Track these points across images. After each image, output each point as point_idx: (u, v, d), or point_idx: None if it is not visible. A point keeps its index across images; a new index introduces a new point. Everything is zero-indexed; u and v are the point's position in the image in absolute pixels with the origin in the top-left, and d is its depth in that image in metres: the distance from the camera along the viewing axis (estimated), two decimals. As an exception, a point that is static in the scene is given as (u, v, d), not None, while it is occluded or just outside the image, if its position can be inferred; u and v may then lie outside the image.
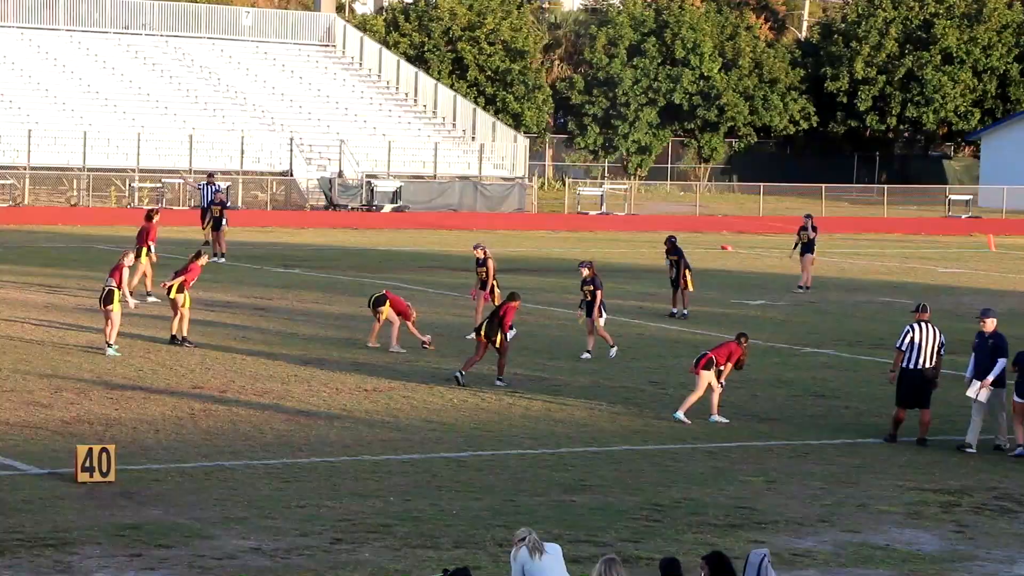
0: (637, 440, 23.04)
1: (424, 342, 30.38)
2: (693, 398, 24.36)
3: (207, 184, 50.37)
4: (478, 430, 23.27)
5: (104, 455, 19.06)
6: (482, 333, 26.83)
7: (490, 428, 23.45)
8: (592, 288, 30.38)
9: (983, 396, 22.82)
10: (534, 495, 19.43)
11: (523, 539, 13.59)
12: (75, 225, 58.94)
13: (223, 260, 45.38)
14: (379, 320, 30.56)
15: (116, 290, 28.58)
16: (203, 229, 48.56)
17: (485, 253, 32.66)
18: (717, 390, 24.47)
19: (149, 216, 36.92)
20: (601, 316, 30.42)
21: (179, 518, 17.71)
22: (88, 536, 16.81)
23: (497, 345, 26.78)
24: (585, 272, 30.63)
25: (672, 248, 37.08)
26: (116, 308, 28.49)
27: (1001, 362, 22.79)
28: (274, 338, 31.45)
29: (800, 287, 43.67)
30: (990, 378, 22.75)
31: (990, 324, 23.07)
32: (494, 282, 32.58)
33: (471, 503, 18.88)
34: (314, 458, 21.00)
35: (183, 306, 29.70)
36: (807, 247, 43.81)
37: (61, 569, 15.71)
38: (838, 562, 17.07)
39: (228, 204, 49.63)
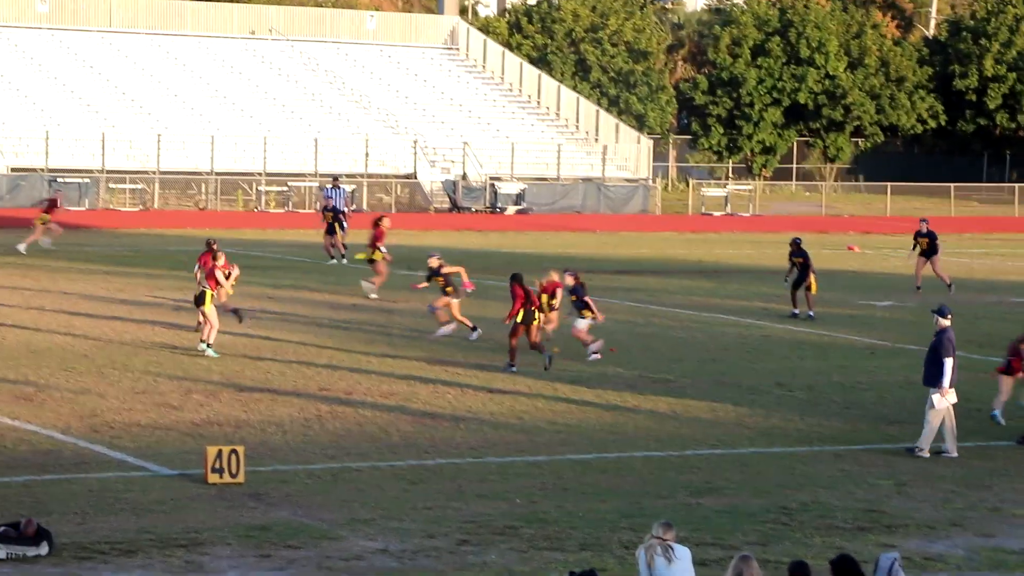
0: (763, 442, 22.89)
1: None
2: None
3: (332, 187, 50.97)
4: (603, 432, 23.23)
5: (233, 456, 19.25)
6: (518, 320, 27.86)
7: (615, 430, 23.41)
8: (575, 298, 29.67)
9: (948, 401, 22.01)
10: (660, 497, 19.36)
11: (666, 530, 13.47)
12: (203, 228, 59.61)
13: (344, 261, 45.70)
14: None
15: (208, 291, 28.89)
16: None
17: (440, 262, 31.99)
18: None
19: (376, 222, 37.84)
20: (584, 319, 29.52)
21: (307, 519, 17.84)
22: (218, 537, 16.99)
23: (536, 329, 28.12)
24: (569, 281, 29.64)
25: (796, 250, 36.78)
26: (209, 308, 28.82)
27: (947, 362, 21.93)
28: (399, 340, 31.60)
29: (947, 286, 42.63)
30: (945, 382, 21.90)
31: (941, 322, 22.30)
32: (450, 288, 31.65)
33: (597, 505, 18.85)
34: (440, 460, 21.07)
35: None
36: (931, 249, 43.08)
37: (192, 569, 15.89)
38: (971, 566, 16.84)
39: (342, 208, 50.20)
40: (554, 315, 30.63)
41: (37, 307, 34.66)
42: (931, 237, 43.17)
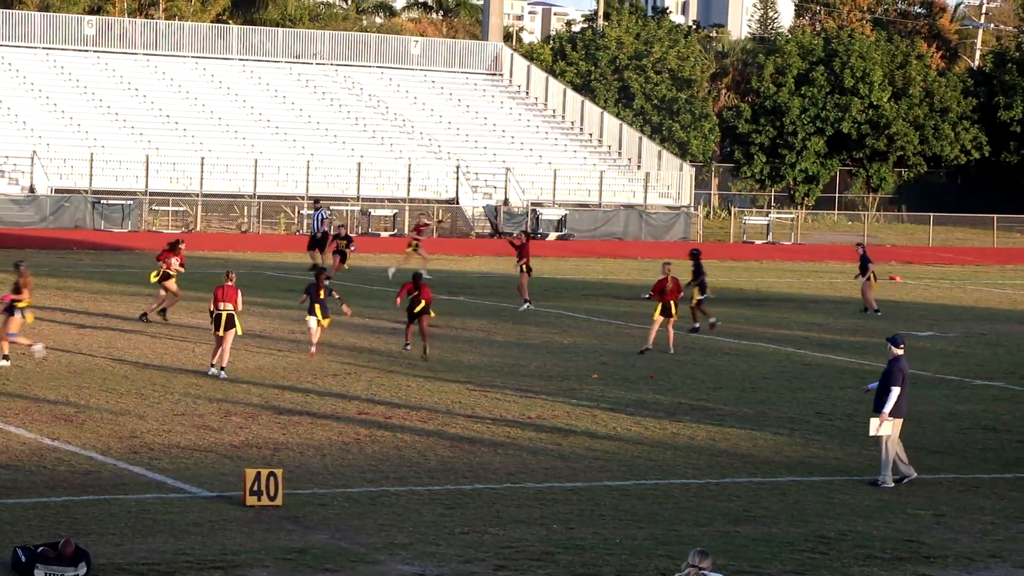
0: (802, 471, 22.81)
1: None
2: None
3: (316, 211, 51.94)
4: (641, 459, 23.20)
5: (272, 479, 19.28)
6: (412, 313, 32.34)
7: (653, 457, 23.37)
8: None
9: (886, 430, 21.89)
10: (697, 525, 19.31)
11: (701, 559, 13.41)
12: (245, 251, 59.86)
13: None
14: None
15: (235, 314, 29.10)
16: (309, 253, 50.60)
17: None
18: None
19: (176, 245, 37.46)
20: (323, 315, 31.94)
21: (344, 543, 17.86)
22: (255, 559, 17.01)
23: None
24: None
25: (693, 261, 38.38)
26: (239, 330, 29.19)
27: (893, 391, 21.76)
28: (439, 365, 31.64)
29: (877, 311, 44.06)
30: (886, 409, 21.76)
31: (893, 351, 22.13)
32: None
33: (634, 532, 18.82)
34: (477, 485, 21.07)
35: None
36: (863, 271, 44.62)
37: (230, 591, 15.92)
38: (1009, 599, 16.74)
39: (324, 230, 51.14)
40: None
41: (78, 328, 34.85)
42: (863, 261, 44.66)
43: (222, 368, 28.88)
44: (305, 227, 62.01)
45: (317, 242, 50.76)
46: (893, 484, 21.82)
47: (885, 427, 21.86)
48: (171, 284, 36.35)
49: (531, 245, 44.44)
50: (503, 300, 44.80)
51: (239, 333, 29.51)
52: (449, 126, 77.64)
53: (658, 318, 34.05)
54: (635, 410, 26.93)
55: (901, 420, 22.02)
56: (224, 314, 29.04)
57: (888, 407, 21.80)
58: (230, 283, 29.46)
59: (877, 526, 19.59)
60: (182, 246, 37.56)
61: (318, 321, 31.81)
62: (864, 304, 44.73)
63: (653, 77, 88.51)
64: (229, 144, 71.41)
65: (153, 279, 36.83)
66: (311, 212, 52.45)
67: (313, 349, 31.88)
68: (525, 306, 42.13)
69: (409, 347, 33.00)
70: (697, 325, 37.82)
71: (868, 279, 44.43)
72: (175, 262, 36.58)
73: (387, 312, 39.63)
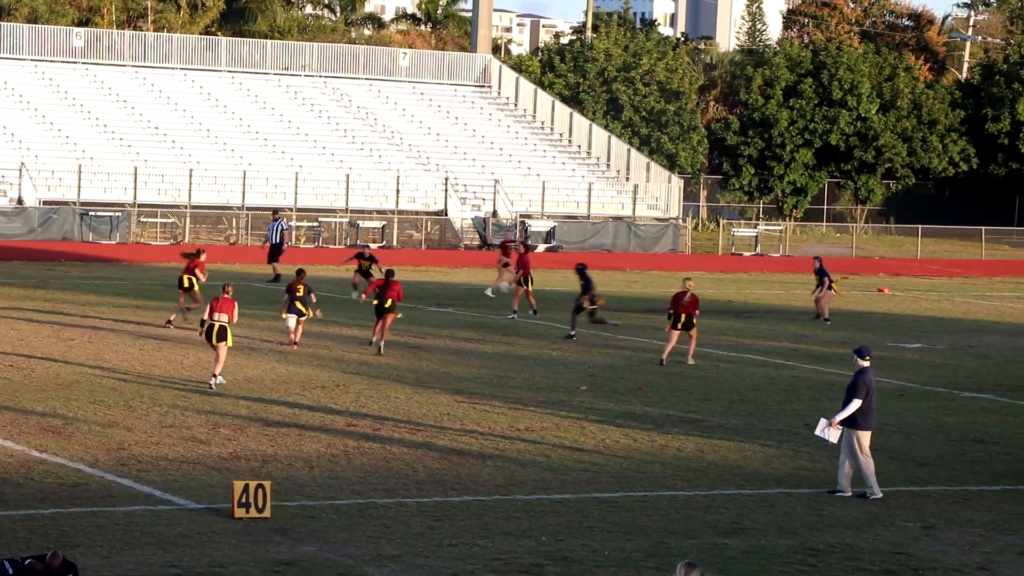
0: (791, 483, 22.82)
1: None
2: None
3: (274, 221, 52.05)
4: (630, 471, 23.19)
5: (260, 491, 19.26)
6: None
7: (642, 469, 23.37)
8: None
9: (832, 436, 21.94)
10: (686, 537, 19.31)
11: (689, 570, 13.42)
12: (233, 263, 59.78)
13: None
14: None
15: (227, 326, 29.11)
16: (270, 264, 51.05)
17: None
18: None
19: (197, 253, 39.06)
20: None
21: (333, 555, 17.83)
22: (243, 572, 16.98)
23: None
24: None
25: (580, 274, 39.39)
26: (230, 342, 29.18)
27: (854, 402, 21.79)
28: (427, 377, 31.63)
29: (827, 320, 45.13)
30: (837, 417, 21.81)
31: (860, 363, 22.17)
32: None
33: (623, 544, 18.81)
34: (466, 497, 21.06)
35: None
36: (820, 284, 46.07)
37: (216, 603, 15.88)
38: (997, 611, 16.74)
39: (277, 241, 51.57)
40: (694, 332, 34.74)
41: (67, 339, 34.80)
42: (820, 274, 46.17)
43: (214, 376, 28.87)
44: (295, 239, 61.94)
45: (275, 252, 50.88)
46: (881, 494, 21.83)
47: (833, 434, 21.89)
48: (191, 292, 37.73)
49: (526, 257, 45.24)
50: (492, 312, 44.79)
51: (230, 345, 29.49)
52: (438, 138, 77.68)
53: (674, 332, 34.33)
54: (624, 422, 26.93)
55: (869, 432, 22.03)
56: (217, 325, 29.05)
57: (840, 416, 21.87)
58: (226, 295, 29.51)
59: (866, 538, 19.60)
60: (202, 257, 38.79)
61: (297, 319, 34.08)
62: (818, 311, 45.62)
63: (641, 89, 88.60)
64: (217, 156, 71.37)
65: (185, 284, 38.18)
66: (274, 223, 52.56)
67: (294, 339, 34.28)
68: (531, 313, 43.50)
69: (373, 342, 34.52)
70: (573, 333, 38.90)
71: (828, 289, 45.58)
72: (201, 267, 38.32)
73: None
